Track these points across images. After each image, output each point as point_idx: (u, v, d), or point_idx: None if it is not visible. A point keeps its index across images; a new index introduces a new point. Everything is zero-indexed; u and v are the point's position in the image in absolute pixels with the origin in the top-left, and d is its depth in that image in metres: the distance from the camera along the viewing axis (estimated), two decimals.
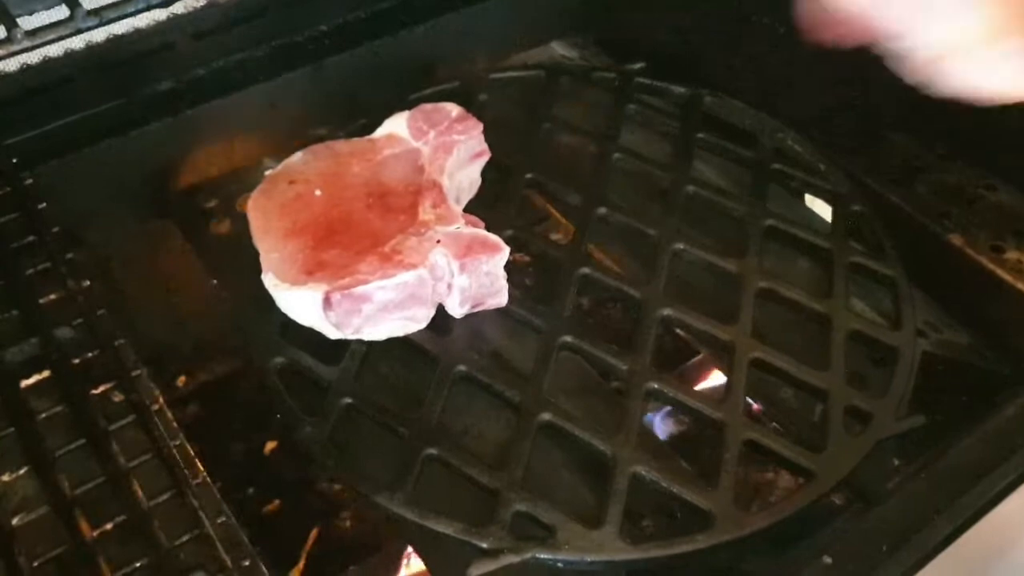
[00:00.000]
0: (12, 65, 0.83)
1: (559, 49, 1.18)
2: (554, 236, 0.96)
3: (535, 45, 1.18)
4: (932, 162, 0.95)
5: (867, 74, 0.96)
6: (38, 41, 0.81)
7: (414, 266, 0.75)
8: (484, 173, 0.91)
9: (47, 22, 0.83)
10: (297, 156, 0.87)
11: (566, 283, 0.83)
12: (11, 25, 0.80)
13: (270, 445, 0.95)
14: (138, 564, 0.58)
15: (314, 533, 0.91)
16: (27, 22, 0.83)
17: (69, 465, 0.63)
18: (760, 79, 0.99)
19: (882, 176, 0.94)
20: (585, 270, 0.84)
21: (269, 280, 0.77)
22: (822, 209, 0.94)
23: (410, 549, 0.81)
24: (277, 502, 0.92)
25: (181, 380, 0.99)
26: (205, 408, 0.97)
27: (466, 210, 0.85)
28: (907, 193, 0.92)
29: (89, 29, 0.85)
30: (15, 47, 0.80)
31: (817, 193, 0.94)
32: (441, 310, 0.80)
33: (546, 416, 0.73)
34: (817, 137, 0.97)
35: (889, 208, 0.92)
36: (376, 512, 0.71)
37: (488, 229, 0.81)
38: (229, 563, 0.59)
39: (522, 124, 0.99)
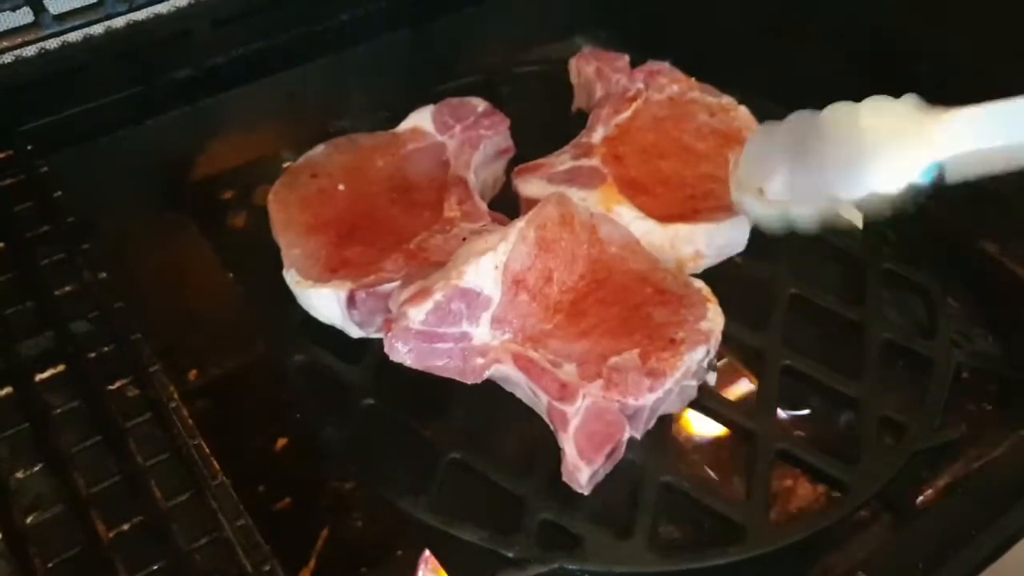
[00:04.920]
0: (30, 50, 0.81)
1: (583, 43, 1.15)
2: None
3: (558, 39, 1.16)
4: None
5: (900, 75, 0.95)
6: (67, 26, 0.79)
7: (440, 264, 0.73)
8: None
9: (75, 6, 0.81)
10: (319, 149, 0.85)
11: None
12: (40, 9, 0.78)
13: (281, 442, 0.93)
14: (155, 567, 0.56)
15: (324, 533, 0.90)
16: (55, 5, 0.80)
17: (85, 463, 0.61)
18: (790, 77, 0.97)
19: None
20: None
21: (291, 277, 0.75)
22: (852, 212, 0.92)
23: (427, 553, 0.79)
24: (288, 500, 0.91)
25: (192, 374, 0.98)
26: (216, 403, 0.95)
27: (490, 207, 0.83)
28: (941, 198, 0.90)
29: (119, 15, 0.82)
30: (44, 31, 0.78)
31: None
32: None
33: None
34: None
35: (922, 213, 0.89)
36: (389, 513, 0.70)
37: None
38: (249, 567, 0.57)
39: (545, 119, 0.97)
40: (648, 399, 0.65)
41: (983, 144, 0.62)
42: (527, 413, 0.71)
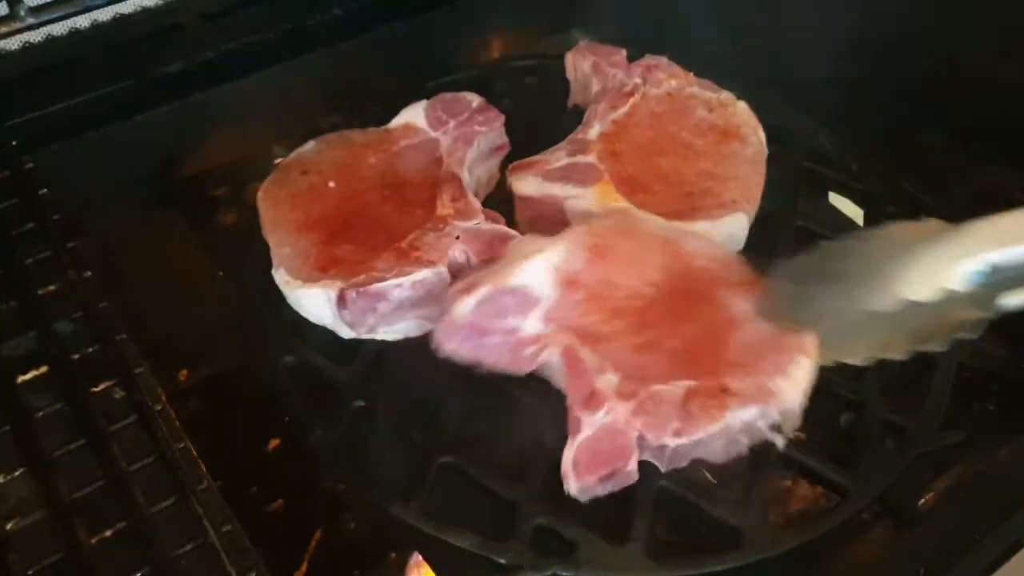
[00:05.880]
0: (14, 44, 0.80)
1: (579, 37, 1.14)
2: None
3: (555, 33, 1.15)
4: (968, 163, 0.92)
5: (904, 74, 0.94)
6: (43, 19, 0.78)
7: (432, 263, 0.72)
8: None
9: None
10: (310, 145, 0.84)
11: None
12: (15, 1, 0.77)
13: (273, 443, 0.92)
14: (139, 574, 0.55)
15: (317, 535, 0.89)
16: None
17: (67, 467, 0.60)
18: (793, 75, 0.96)
19: (916, 178, 0.91)
20: None
21: (280, 276, 0.74)
22: (854, 211, 0.91)
23: (418, 558, 0.79)
24: (280, 502, 0.90)
25: (183, 374, 0.97)
26: (207, 403, 0.94)
27: (485, 205, 0.82)
28: (942, 196, 0.89)
29: (97, 8, 0.82)
30: (18, 24, 0.77)
31: (849, 194, 0.91)
32: None
33: None
34: (850, 136, 0.94)
35: (923, 211, 0.88)
36: (382, 515, 0.68)
37: None
38: (234, 574, 0.56)
39: (541, 115, 0.96)
40: (670, 442, 0.62)
41: (1007, 247, 0.64)
42: (521, 416, 0.70)
